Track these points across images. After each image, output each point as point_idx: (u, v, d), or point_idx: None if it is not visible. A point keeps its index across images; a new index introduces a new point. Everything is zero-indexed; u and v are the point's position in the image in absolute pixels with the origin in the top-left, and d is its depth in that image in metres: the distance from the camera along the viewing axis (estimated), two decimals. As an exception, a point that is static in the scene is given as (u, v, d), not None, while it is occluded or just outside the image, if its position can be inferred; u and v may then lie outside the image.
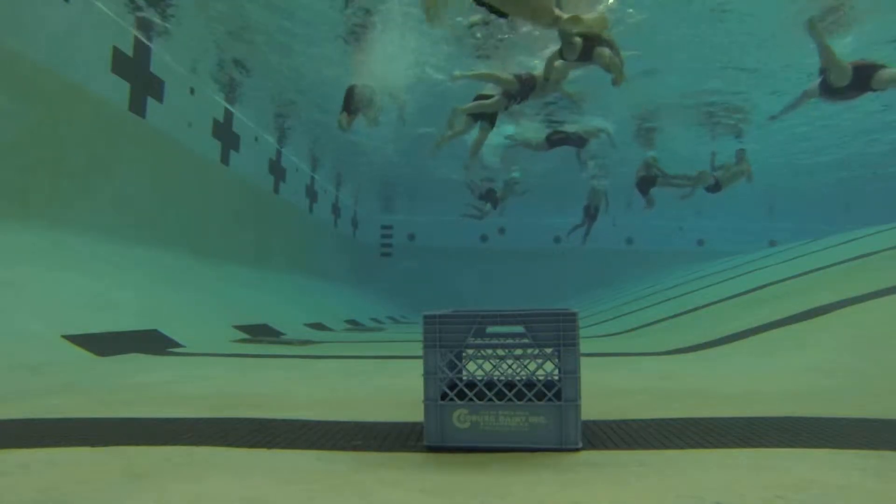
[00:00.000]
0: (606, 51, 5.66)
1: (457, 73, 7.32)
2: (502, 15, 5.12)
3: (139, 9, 6.14)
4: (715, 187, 10.56)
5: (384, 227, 19.26)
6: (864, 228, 8.85)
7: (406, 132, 10.50)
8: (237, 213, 8.94)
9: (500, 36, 7.37)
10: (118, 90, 6.08)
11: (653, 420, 1.94)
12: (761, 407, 2.14)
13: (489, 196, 13.61)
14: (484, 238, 19.03)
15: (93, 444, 1.66)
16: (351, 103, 7.56)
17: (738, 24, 7.06)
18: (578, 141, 9.97)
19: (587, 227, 14.56)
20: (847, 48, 6.76)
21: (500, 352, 1.66)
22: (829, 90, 6.02)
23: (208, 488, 1.31)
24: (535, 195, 14.60)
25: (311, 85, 8.86)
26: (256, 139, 9.71)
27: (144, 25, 6.38)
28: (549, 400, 1.55)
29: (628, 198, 14.99)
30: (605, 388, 2.61)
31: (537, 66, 7.96)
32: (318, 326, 8.25)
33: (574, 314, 1.57)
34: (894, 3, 6.52)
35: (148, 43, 6.57)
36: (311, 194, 12.87)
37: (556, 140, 9.89)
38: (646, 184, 11.17)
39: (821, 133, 11.06)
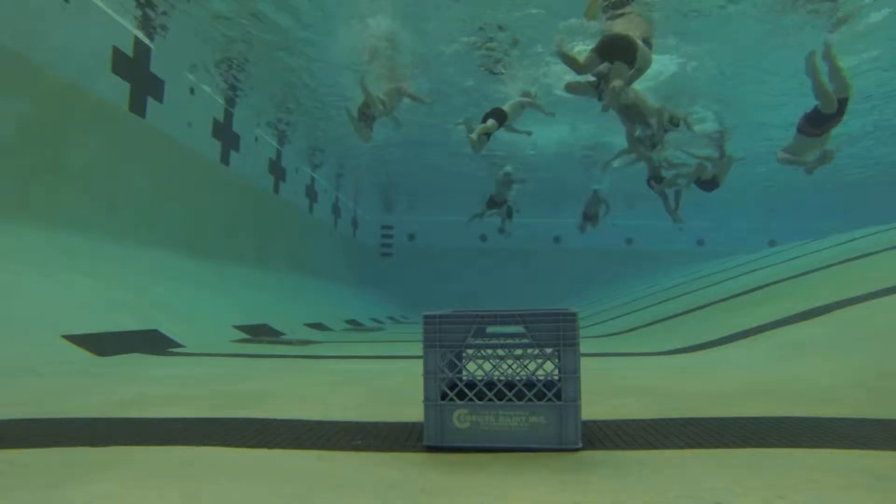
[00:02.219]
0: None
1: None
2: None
3: (140, 8, 6.14)
4: (711, 183, 10.40)
5: (384, 227, 19.26)
6: (863, 228, 8.86)
7: (407, 130, 10.50)
8: (237, 213, 8.94)
9: (507, 51, 7.50)
10: (118, 90, 6.08)
11: (653, 420, 1.94)
12: (761, 407, 2.14)
13: (500, 208, 13.37)
14: (484, 238, 19.05)
15: (93, 444, 1.66)
16: (365, 113, 7.60)
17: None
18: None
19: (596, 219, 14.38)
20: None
21: (500, 352, 1.66)
22: (817, 121, 6.75)
23: (208, 488, 1.31)
24: (535, 195, 14.59)
25: (312, 84, 8.86)
26: (256, 139, 9.72)
27: (144, 25, 6.38)
28: (549, 400, 1.55)
29: (628, 198, 14.99)
30: (605, 388, 2.61)
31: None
32: (318, 326, 8.25)
33: (574, 314, 1.57)
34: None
35: (148, 43, 6.57)
36: (311, 194, 12.87)
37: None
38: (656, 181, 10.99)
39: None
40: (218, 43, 7.19)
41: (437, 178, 14.45)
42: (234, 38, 7.15)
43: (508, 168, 13.01)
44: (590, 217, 14.00)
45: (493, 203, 12.99)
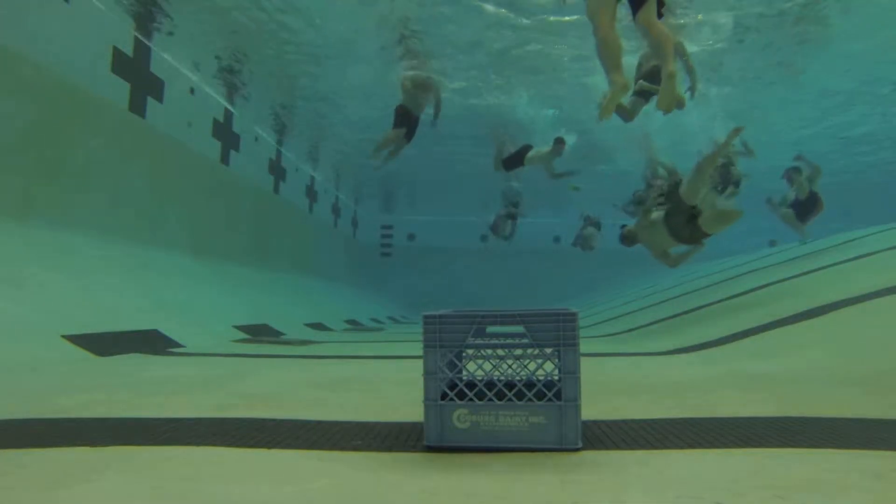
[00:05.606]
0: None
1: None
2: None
3: (139, 8, 6.14)
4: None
5: (384, 227, 19.25)
6: (863, 228, 8.86)
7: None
8: (237, 213, 8.93)
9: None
10: (118, 90, 6.08)
11: (653, 420, 1.94)
12: (761, 407, 2.14)
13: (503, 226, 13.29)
14: (484, 238, 19.02)
15: (93, 444, 1.66)
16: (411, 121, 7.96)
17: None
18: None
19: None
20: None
21: (500, 352, 1.66)
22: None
23: (208, 488, 1.31)
24: (535, 195, 14.57)
25: (312, 84, 8.86)
26: (256, 139, 9.72)
27: (145, 25, 6.38)
28: (549, 400, 1.55)
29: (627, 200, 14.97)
30: (605, 388, 2.61)
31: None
32: (318, 326, 8.25)
33: (574, 314, 1.57)
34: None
35: (148, 43, 6.57)
36: (311, 194, 12.87)
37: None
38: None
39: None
40: (219, 42, 7.19)
41: (438, 178, 14.44)
42: (236, 37, 7.14)
43: (515, 184, 12.56)
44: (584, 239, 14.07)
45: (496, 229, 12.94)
